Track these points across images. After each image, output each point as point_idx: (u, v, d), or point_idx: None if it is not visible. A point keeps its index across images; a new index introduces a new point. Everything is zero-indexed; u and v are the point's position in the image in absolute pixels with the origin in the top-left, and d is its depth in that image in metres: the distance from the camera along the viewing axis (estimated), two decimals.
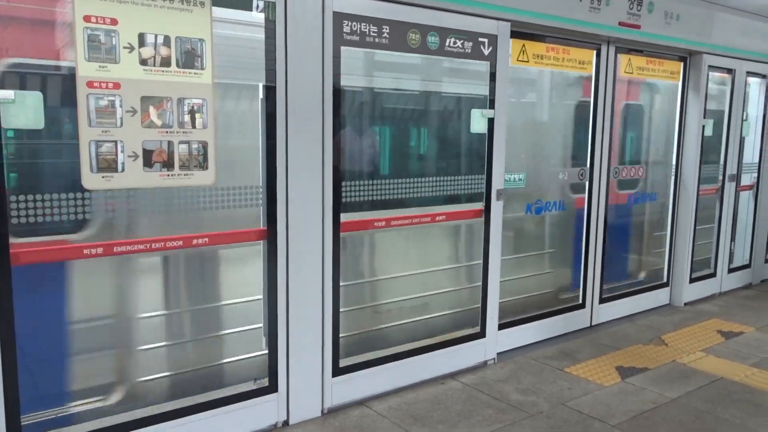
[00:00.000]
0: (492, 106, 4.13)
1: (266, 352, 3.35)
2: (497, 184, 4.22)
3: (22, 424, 2.67)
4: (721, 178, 6.22)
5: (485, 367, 4.31)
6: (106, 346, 3.02)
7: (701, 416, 3.60)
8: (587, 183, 5.05)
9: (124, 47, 2.68)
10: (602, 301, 5.31)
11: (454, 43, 3.85)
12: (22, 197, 2.56)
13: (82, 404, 2.93)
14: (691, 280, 6.01)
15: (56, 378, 2.89)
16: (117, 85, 2.68)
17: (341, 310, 3.58)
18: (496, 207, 4.24)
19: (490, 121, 4.13)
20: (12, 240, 2.56)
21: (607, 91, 5.03)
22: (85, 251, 2.75)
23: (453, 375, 4.14)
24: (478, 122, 4.10)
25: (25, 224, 2.59)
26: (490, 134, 4.14)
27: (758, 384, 4.08)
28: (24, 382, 2.65)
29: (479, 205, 4.20)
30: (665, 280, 5.96)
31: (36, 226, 2.62)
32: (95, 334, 3.00)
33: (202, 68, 2.88)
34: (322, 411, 3.55)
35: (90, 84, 2.61)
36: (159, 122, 2.80)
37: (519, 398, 3.82)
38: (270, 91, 3.16)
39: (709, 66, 5.73)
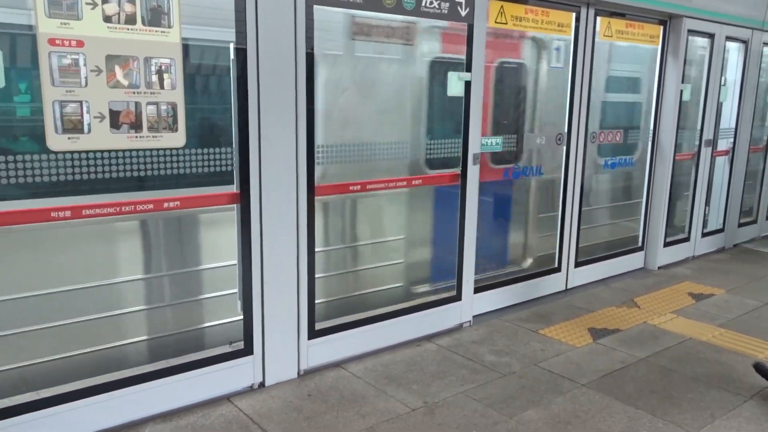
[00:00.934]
0: (469, 69, 4.09)
1: (241, 316, 3.36)
2: (474, 148, 4.21)
3: None
4: (697, 143, 6.27)
5: (461, 330, 4.37)
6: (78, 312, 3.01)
7: (668, 374, 3.70)
8: (564, 147, 5.06)
9: (87, 3, 2.59)
10: (578, 264, 5.38)
11: (431, 3, 3.79)
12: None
13: None
14: (666, 244, 6.10)
15: None
16: (80, 43, 2.60)
17: (317, 276, 3.59)
18: (473, 171, 4.24)
19: (467, 85, 4.10)
20: None
21: (586, 54, 5.01)
22: (53, 214, 2.71)
23: (429, 337, 4.20)
24: (454, 85, 4.07)
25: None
26: (467, 97, 4.11)
27: (724, 343, 4.19)
28: None
29: (455, 170, 4.20)
30: (640, 244, 6.04)
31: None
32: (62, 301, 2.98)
33: (169, 26, 2.81)
34: (298, 373, 3.59)
35: (52, 41, 2.54)
36: (125, 82, 2.74)
37: (492, 359, 3.89)
38: (240, 53, 3.09)
39: (689, 30, 5.71)
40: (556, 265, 5.21)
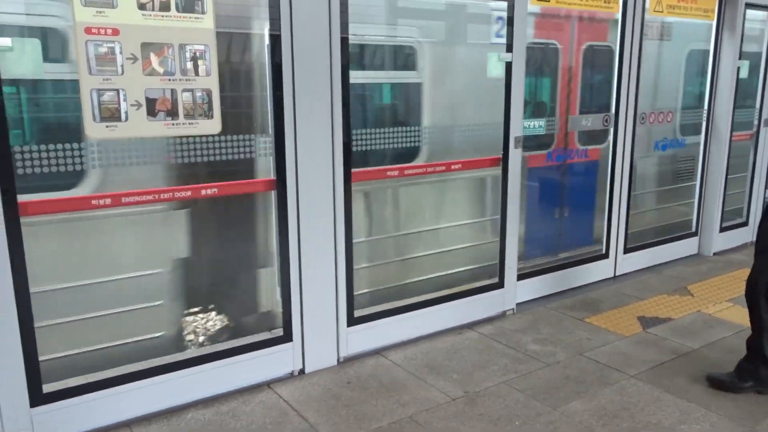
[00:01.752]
0: (509, 50, 3.95)
1: (280, 301, 3.36)
2: (515, 131, 4.08)
3: None
4: (756, 122, 5.93)
5: (504, 318, 4.27)
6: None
7: (723, 367, 3.51)
8: (612, 130, 4.86)
9: None
10: (627, 251, 5.18)
11: None
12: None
13: None
14: (722, 230, 5.82)
15: None
16: (116, 31, 2.61)
17: (355, 267, 3.56)
18: (514, 155, 4.12)
19: (508, 66, 3.96)
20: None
21: (634, 31, 4.78)
22: (93, 202, 2.74)
23: (471, 325, 4.11)
24: (494, 66, 3.94)
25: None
26: (507, 79, 3.98)
27: None
28: None
29: (497, 154, 4.08)
30: (693, 229, 5.78)
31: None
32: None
33: (202, 12, 2.79)
34: (337, 360, 3.57)
35: (88, 30, 2.55)
36: (161, 70, 2.74)
37: (536, 348, 3.78)
38: (275, 40, 3.06)
39: (747, 3, 5.39)
40: (604, 251, 5.03)
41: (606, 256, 5.04)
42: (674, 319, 4.22)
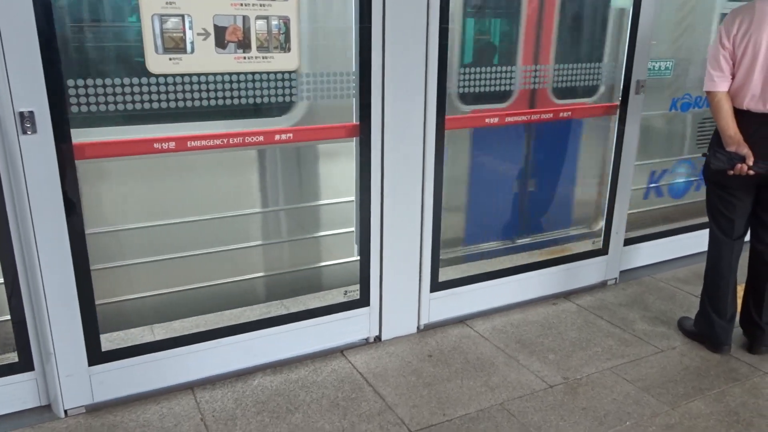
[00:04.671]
0: None
1: (358, 258, 3.01)
2: (639, 73, 3.44)
3: None
4: None
5: (605, 288, 3.77)
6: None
7: None
8: None
9: None
10: None
11: None
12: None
13: None
14: None
15: None
16: None
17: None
18: (635, 102, 3.50)
19: None
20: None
21: None
22: (156, 145, 2.43)
23: (566, 295, 3.65)
24: None
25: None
26: (636, 9, 3.32)
27: None
28: None
29: (613, 100, 3.48)
30: None
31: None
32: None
33: None
34: (417, 327, 3.22)
35: None
36: None
37: (646, 328, 3.29)
38: None
39: None
40: None
41: None
42: None
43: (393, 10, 2.65)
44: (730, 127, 2.72)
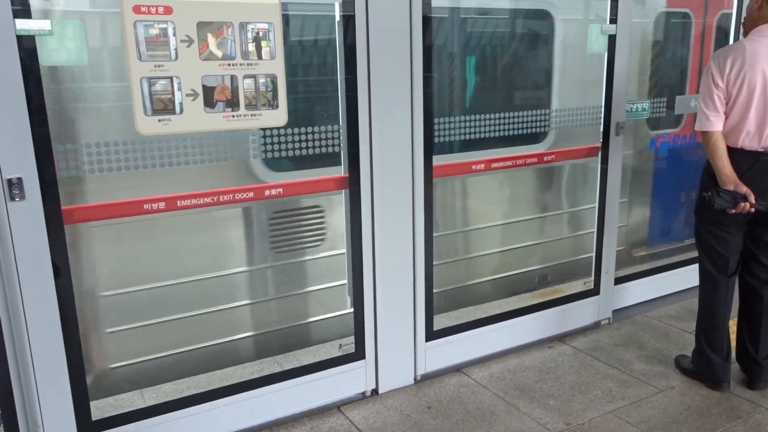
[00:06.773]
0: (613, 21, 3.40)
1: (351, 311, 2.97)
2: (618, 116, 3.53)
3: None
4: None
5: (599, 329, 3.76)
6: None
7: None
8: None
9: None
10: None
11: None
12: None
13: None
14: None
15: None
16: (168, 10, 2.25)
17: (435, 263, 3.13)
18: (615, 143, 3.57)
19: (611, 40, 3.42)
20: None
21: None
22: (146, 206, 2.41)
23: (561, 337, 3.63)
24: (595, 41, 3.40)
25: None
26: (610, 56, 3.43)
27: None
28: None
29: (595, 142, 3.56)
30: None
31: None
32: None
33: None
34: (414, 378, 3.17)
35: (137, 9, 2.20)
36: (219, 53, 2.36)
37: (643, 368, 3.27)
38: (348, 20, 2.63)
39: None
40: None
41: None
42: None
43: (377, 64, 2.70)
44: (726, 166, 2.74)
